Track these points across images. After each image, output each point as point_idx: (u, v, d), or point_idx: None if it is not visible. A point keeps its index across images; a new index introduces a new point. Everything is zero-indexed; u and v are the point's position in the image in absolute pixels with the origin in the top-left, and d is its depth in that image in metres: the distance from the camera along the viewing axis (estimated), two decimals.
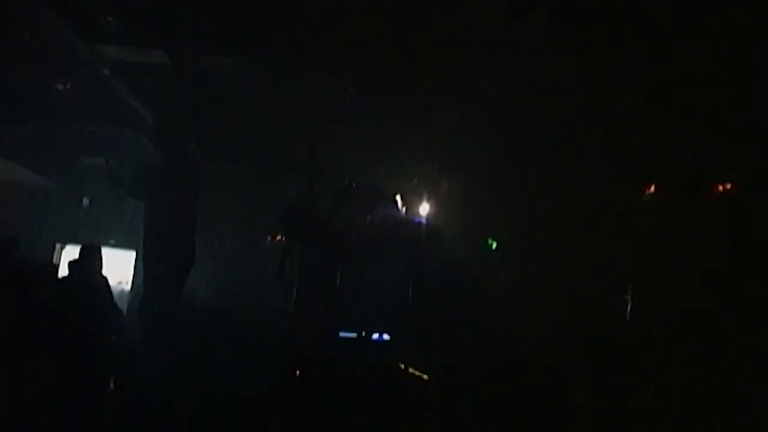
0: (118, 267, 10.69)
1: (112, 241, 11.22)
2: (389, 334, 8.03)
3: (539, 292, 8.53)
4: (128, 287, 11.01)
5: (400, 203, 8.32)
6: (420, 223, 8.30)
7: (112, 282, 8.29)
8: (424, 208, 8.67)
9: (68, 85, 10.63)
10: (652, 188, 8.13)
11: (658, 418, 6.56)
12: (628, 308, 8.08)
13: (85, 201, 12.59)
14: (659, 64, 7.31)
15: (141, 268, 8.71)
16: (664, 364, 7.24)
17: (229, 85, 9.42)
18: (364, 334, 7.84)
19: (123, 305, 9.63)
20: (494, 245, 9.30)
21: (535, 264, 8.80)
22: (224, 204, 10.11)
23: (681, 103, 7.44)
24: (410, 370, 7.24)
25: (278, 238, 9.46)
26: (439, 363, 7.37)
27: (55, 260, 11.61)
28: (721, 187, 7.70)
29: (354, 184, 7.85)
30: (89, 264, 7.94)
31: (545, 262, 8.69)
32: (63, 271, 8.11)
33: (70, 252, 11.05)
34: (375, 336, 7.97)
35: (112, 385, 6.28)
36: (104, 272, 8.08)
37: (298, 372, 6.98)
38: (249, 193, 10.40)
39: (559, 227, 8.62)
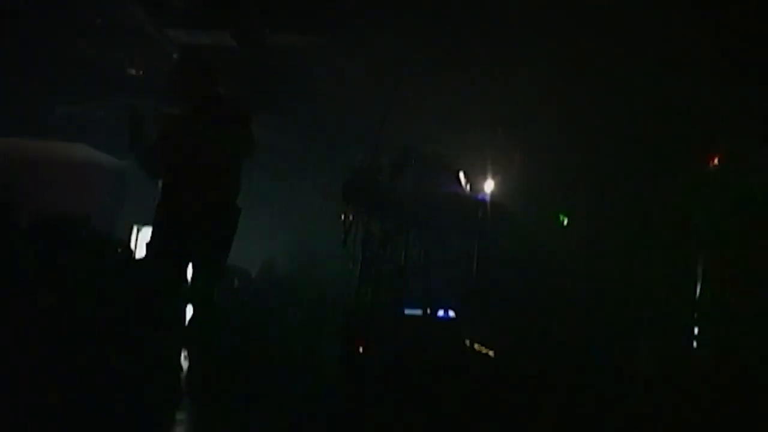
0: None
1: None
2: (455, 310, 7.97)
3: (609, 272, 8.37)
4: None
5: (463, 180, 8.24)
6: (484, 199, 8.20)
7: None
8: (489, 185, 8.58)
9: (140, 68, 10.84)
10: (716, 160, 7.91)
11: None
12: (697, 292, 7.88)
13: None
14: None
15: None
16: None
17: (292, 59, 9.46)
18: (429, 310, 7.79)
19: None
20: (566, 221, 9.15)
21: (605, 243, 8.64)
22: (292, 178, 10.19)
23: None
24: (476, 347, 7.19)
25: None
26: (506, 341, 7.30)
27: (132, 241, 11.86)
28: None
29: (418, 154, 7.79)
30: None
31: (616, 240, 8.53)
32: (141, 252, 8.25)
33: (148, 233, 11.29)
34: (440, 313, 7.93)
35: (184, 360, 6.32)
36: None
37: (362, 348, 6.99)
38: (317, 166, 10.44)
39: (630, 203, 8.46)
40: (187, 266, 5.78)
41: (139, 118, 5.61)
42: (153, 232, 5.96)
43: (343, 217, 7.65)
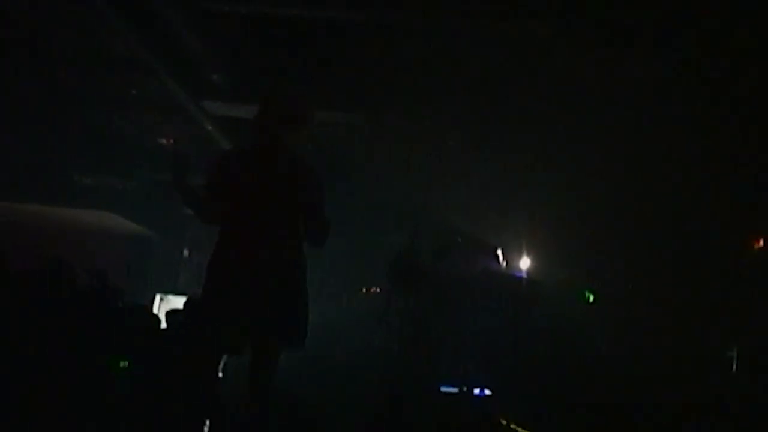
0: None
1: None
2: (490, 388, 7.96)
3: (638, 346, 8.38)
4: None
5: (501, 257, 8.32)
6: (521, 277, 8.26)
7: None
8: (525, 263, 8.65)
9: (171, 139, 10.96)
10: (761, 242, 7.96)
11: None
12: (734, 366, 7.88)
13: (185, 252, 12.88)
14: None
15: None
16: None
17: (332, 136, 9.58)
18: (465, 388, 7.78)
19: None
20: (591, 298, 9.19)
21: (633, 318, 8.66)
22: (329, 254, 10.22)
23: None
24: (512, 426, 7.17)
25: (373, 290, 9.54)
26: (542, 418, 7.27)
27: (155, 310, 11.87)
28: None
29: (458, 238, 7.89)
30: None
31: (644, 316, 8.55)
32: (163, 321, 8.24)
33: (170, 302, 11.31)
34: (476, 391, 7.91)
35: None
36: None
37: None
38: (354, 243, 10.49)
39: (659, 281, 8.49)
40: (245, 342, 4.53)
41: (185, 154, 4.63)
42: (206, 293, 4.49)
43: (386, 295, 7.72)
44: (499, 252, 8.31)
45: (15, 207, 11.90)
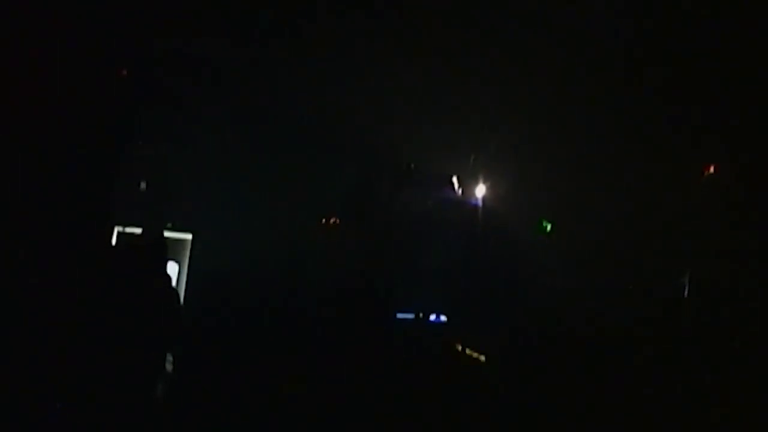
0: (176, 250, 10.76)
1: (169, 225, 11.29)
2: (446, 315, 8.03)
3: (594, 275, 8.45)
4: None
5: (456, 185, 8.30)
6: (476, 204, 8.26)
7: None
8: (481, 190, 8.63)
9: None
10: (712, 169, 8.01)
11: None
12: (685, 292, 7.98)
13: (143, 185, 12.70)
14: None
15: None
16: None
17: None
18: (421, 315, 7.84)
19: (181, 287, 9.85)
20: (548, 227, 9.22)
21: (589, 247, 8.71)
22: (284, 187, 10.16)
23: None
24: (467, 351, 7.25)
25: (332, 220, 9.52)
26: (496, 343, 7.36)
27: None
28: None
29: (413, 166, 7.85)
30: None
31: (600, 245, 8.61)
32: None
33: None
34: (432, 317, 7.98)
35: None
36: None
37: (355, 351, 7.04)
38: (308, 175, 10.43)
39: (614, 208, 8.54)
40: None
41: None
42: None
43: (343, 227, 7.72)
44: (455, 180, 8.27)
45: None
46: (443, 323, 8.04)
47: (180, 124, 10.78)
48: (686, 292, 7.90)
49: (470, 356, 7.22)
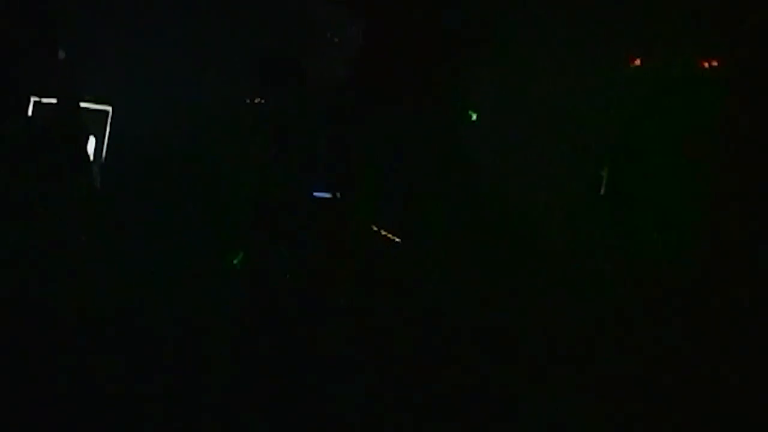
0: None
1: (88, 96, 11.01)
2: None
3: (518, 161, 8.45)
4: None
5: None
6: None
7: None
8: None
9: None
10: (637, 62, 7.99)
11: None
12: (603, 183, 8.05)
13: (61, 53, 12.31)
14: None
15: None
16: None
17: None
18: (338, 194, 7.81)
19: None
20: (474, 116, 9.19)
21: (514, 134, 8.70)
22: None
23: None
24: (383, 232, 7.26)
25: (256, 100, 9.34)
26: (411, 227, 7.38)
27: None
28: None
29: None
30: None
31: (524, 133, 8.60)
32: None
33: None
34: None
35: None
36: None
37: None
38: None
39: (539, 99, 8.51)
40: None
41: None
42: None
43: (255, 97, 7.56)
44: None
45: None
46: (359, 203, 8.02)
47: None
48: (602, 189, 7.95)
49: (385, 236, 7.24)
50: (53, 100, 9.15)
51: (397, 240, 7.22)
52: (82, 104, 9.41)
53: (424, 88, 8.43)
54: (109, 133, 10.63)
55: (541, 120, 8.43)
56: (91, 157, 9.16)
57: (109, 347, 5.42)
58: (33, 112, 11.19)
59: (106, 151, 10.50)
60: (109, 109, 10.48)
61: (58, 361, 5.08)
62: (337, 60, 7.80)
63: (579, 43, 8.15)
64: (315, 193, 7.75)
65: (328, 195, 7.76)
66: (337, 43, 7.84)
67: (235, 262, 7.10)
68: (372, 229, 7.24)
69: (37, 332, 5.32)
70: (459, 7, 8.30)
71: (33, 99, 11.94)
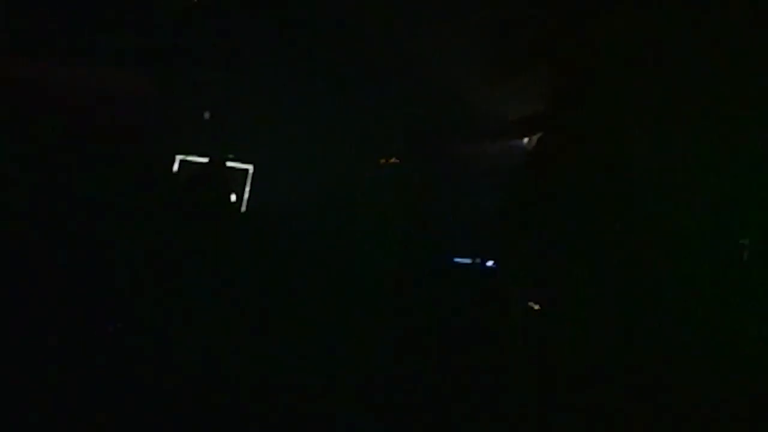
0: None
1: (230, 155, 11.40)
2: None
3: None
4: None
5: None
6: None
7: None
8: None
9: None
10: None
11: None
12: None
13: (206, 114, 12.78)
14: None
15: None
16: None
17: None
18: (478, 260, 7.86)
19: None
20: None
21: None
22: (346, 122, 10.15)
23: None
24: (526, 300, 7.24)
25: (392, 160, 9.52)
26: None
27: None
28: None
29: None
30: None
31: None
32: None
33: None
34: (490, 263, 7.98)
35: None
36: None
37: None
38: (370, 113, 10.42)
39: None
40: None
41: None
42: None
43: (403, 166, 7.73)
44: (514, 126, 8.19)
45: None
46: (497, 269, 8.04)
47: (245, 55, 10.81)
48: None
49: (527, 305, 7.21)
50: (198, 159, 9.52)
51: (537, 307, 7.19)
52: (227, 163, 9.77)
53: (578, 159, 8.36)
54: (249, 191, 10.99)
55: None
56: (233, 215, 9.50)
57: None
58: (179, 169, 11.67)
59: (246, 209, 10.85)
60: (250, 167, 10.85)
61: None
62: (483, 130, 7.91)
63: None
64: (455, 259, 7.83)
65: (468, 261, 7.83)
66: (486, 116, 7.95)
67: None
68: (514, 296, 7.23)
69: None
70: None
71: (179, 157, 12.46)
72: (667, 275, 7.01)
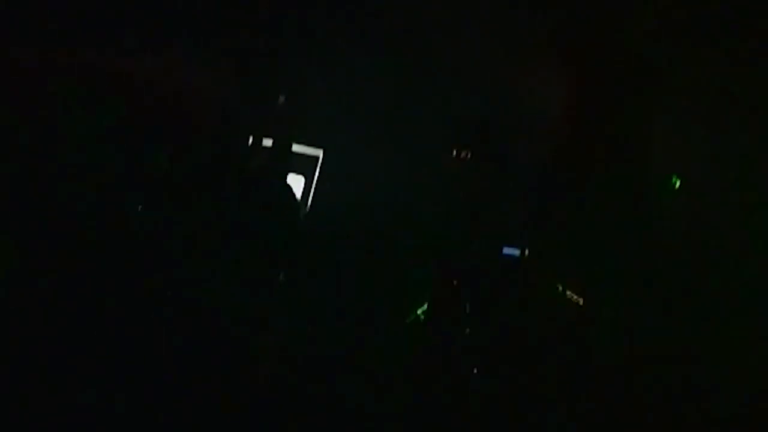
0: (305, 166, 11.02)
1: (302, 140, 11.52)
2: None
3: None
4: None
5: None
6: None
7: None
8: None
9: None
10: None
11: None
12: None
13: (281, 98, 12.91)
14: None
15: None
16: None
17: None
18: (527, 252, 7.83)
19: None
20: (677, 183, 8.92)
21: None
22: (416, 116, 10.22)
23: None
24: (567, 291, 7.22)
25: (463, 154, 9.53)
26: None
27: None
28: None
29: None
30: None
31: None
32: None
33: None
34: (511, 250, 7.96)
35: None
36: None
37: (455, 282, 7.12)
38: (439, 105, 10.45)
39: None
40: None
41: None
42: None
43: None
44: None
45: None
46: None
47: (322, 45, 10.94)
48: None
49: (570, 297, 7.19)
50: (269, 142, 9.68)
51: (580, 301, 7.16)
52: (295, 147, 9.88)
53: (624, 150, 8.30)
54: (318, 176, 11.10)
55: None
56: (299, 198, 9.63)
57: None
58: (250, 152, 11.87)
59: (314, 194, 10.96)
60: (320, 153, 10.95)
61: None
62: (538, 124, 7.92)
63: None
64: (505, 250, 7.82)
65: (517, 252, 7.81)
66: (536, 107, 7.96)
67: (419, 312, 7.27)
68: (557, 288, 7.21)
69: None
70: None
71: (251, 139, 12.66)
72: (691, 270, 6.91)
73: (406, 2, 9.65)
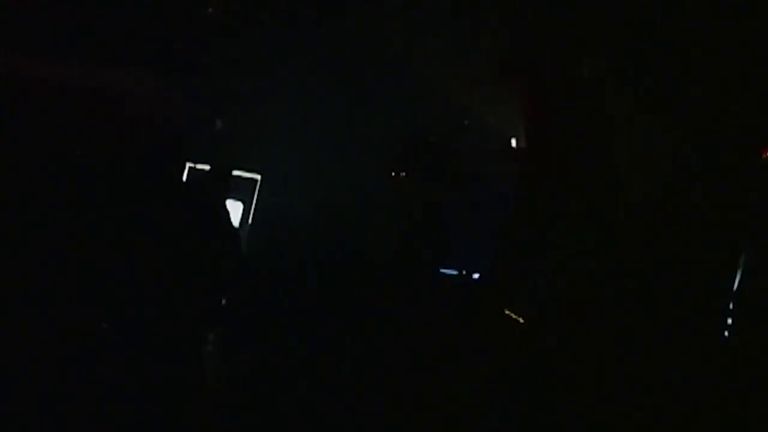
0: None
1: (238, 164, 11.46)
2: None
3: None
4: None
5: (514, 143, 8.24)
6: None
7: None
8: None
9: None
10: None
11: None
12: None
13: (219, 123, 12.85)
14: None
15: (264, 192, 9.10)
16: None
17: None
18: (464, 272, 7.87)
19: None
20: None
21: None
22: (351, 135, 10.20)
23: None
24: (506, 311, 7.22)
25: (400, 175, 9.56)
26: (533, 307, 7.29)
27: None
28: None
29: (467, 123, 7.86)
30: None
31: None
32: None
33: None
34: (476, 275, 7.98)
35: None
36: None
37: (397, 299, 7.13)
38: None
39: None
40: None
41: None
42: None
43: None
44: (513, 142, 8.20)
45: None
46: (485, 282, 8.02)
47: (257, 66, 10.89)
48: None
49: (509, 317, 7.19)
50: (206, 167, 9.57)
51: (521, 321, 7.18)
52: (234, 172, 9.76)
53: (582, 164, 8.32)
54: (256, 201, 11.06)
55: None
56: (237, 223, 9.53)
57: None
58: (187, 176, 11.77)
59: (252, 218, 10.91)
60: (258, 177, 10.92)
61: None
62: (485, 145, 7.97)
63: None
64: (442, 270, 7.85)
65: (455, 272, 7.84)
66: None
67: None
68: (499, 310, 7.22)
69: None
70: None
71: (188, 164, 12.56)
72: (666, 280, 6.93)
73: (349, 27, 9.69)
